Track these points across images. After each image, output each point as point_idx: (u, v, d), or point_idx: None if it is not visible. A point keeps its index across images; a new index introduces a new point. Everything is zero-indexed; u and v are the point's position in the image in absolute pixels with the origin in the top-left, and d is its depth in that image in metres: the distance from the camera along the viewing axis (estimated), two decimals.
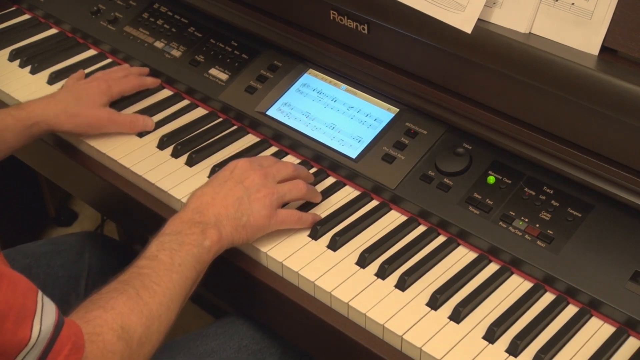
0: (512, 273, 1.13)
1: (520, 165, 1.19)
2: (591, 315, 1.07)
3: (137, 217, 1.35)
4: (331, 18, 1.32)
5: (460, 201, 1.18)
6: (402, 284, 1.10)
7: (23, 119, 1.29)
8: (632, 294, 1.04)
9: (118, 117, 1.36)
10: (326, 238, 1.18)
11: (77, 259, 1.43)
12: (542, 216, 1.14)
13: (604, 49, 1.09)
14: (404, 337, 1.03)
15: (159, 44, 1.54)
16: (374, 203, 1.24)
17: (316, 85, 1.39)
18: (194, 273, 1.05)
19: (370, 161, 1.26)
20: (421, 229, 1.20)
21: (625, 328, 1.04)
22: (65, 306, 1.36)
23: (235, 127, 1.39)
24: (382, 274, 1.12)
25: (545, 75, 1.09)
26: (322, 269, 1.13)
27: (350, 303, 1.08)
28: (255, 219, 1.12)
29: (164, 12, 1.59)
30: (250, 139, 1.37)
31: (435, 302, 1.08)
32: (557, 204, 1.14)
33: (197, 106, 1.45)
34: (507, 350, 1.02)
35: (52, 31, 1.68)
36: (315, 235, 1.18)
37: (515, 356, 1.01)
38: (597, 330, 1.05)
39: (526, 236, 1.12)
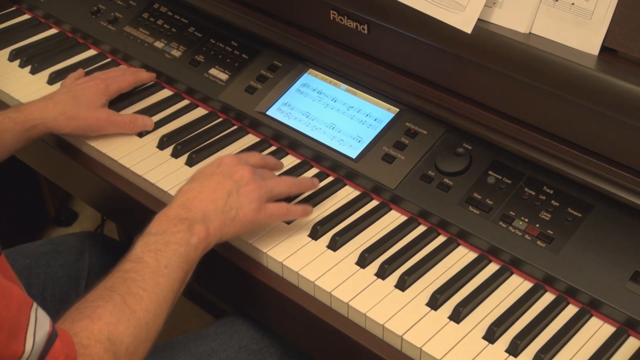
0: (512, 273, 1.13)
1: (520, 165, 1.19)
2: (591, 315, 1.07)
3: (137, 217, 1.35)
4: (331, 18, 1.32)
5: (460, 201, 1.18)
6: (402, 284, 1.10)
7: (21, 122, 1.29)
8: (632, 294, 1.04)
9: (117, 118, 1.36)
10: (326, 238, 1.18)
11: (77, 259, 1.43)
12: (542, 216, 1.14)
13: (604, 49, 1.09)
14: (404, 337, 1.03)
15: (159, 44, 1.54)
16: (374, 203, 1.24)
17: (316, 85, 1.39)
18: (181, 274, 1.03)
19: (370, 161, 1.26)
20: (421, 229, 1.20)
21: (625, 328, 1.04)
22: (66, 306, 1.37)
23: (235, 127, 1.39)
24: (382, 274, 1.12)
25: (545, 75, 1.09)
26: (322, 269, 1.13)
27: (350, 303, 1.08)
28: (244, 213, 1.10)
29: (164, 12, 1.59)
30: (250, 139, 1.37)
31: (435, 302, 1.08)
32: (557, 204, 1.14)
33: (197, 106, 1.45)
34: (507, 350, 1.02)
35: (52, 31, 1.68)
36: (315, 235, 1.18)
37: (515, 356, 1.01)
38: (597, 330, 1.05)
39: (526, 236, 1.12)
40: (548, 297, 1.09)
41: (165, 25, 1.57)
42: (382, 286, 1.11)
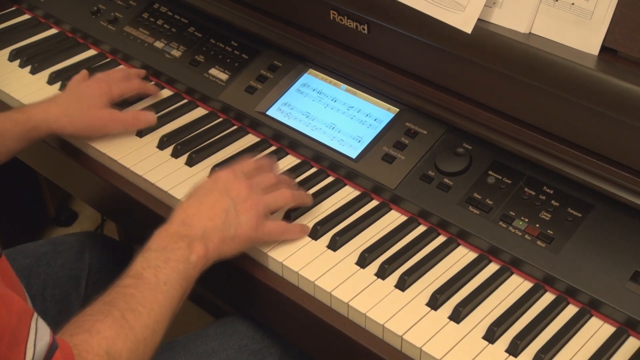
0: (512, 273, 1.13)
1: (520, 165, 1.19)
2: (591, 315, 1.07)
3: (137, 217, 1.35)
4: (331, 18, 1.32)
5: (460, 201, 1.18)
6: (402, 284, 1.10)
7: (23, 123, 1.29)
8: (632, 294, 1.04)
9: (120, 116, 1.36)
10: (326, 238, 1.18)
11: (77, 259, 1.43)
12: (542, 216, 1.14)
13: (604, 49, 1.09)
14: (404, 337, 1.04)
15: (159, 44, 1.54)
16: (374, 203, 1.24)
17: (316, 85, 1.39)
18: (180, 291, 1.03)
19: (370, 161, 1.26)
20: (421, 229, 1.20)
21: (625, 328, 1.04)
22: (66, 306, 1.38)
23: (235, 127, 1.39)
24: (382, 274, 1.12)
25: (545, 75, 1.09)
26: (322, 269, 1.13)
27: (350, 303, 1.08)
28: (243, 230, 1.10)
29: (164, 12, 1.59)
30: (250, 139, 1.37)
31: (435, 302, 1.08)
32: (557, 204, 1.14)
33: (197, 106, 1.45)
34: (507, 350, 1.02)
35: (52, 31, 1.68)
36: (315, 235, 1.18)
37: (515, 356, 1.01)
38: (597, 330, 1.05)
39: (526, 236, 1.12)
40: (548, 297, 1.09)
41: (165, 25, 1.57)
42: (382, 286, 1.11)
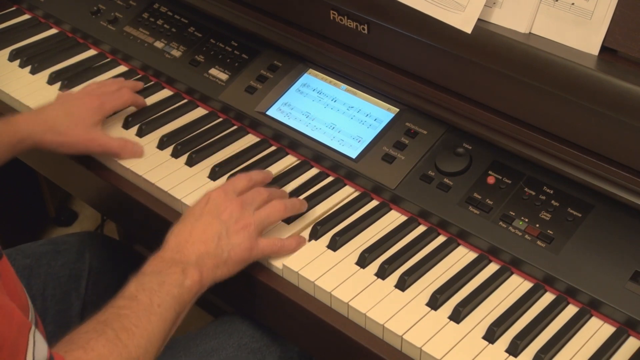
0: (512, 273, 1.13)
1: (520, 165, 1.19)
2: (591, 315, 1.07)
3: (137, 217, 1.35)
4: (331, 18, 1.32)
5: (460, 201, 1.18)
6: (402, 284, 1.10)
7: (10, 135, 1.27)
8: (632, 294, 1.04)
9: (105, 140, 1.32)
10: (326, 238, 1.18)
11: (77, 259, 1.43)
12: (542, 216, 1.14)
13: (604, 49, 1.09)
14: (404, 337, 1.04)
15: (159, 44, 1.54)
16: (374, 203, 1.24)
17: (316, 85, 1.39)
18: (173, 314, 1.03)
19: (370, 161, 1.26)
20: (421, 229, 1.20)
21: (625, 328, 1.04)
22: (66, 306, 1.38)
23: (235, 127, 1.39)
24: (382, 274, 1.12)
25: (545, 75, 1.09)
26: (322, 269, 1.13)
27: (350, 303, 1.08)
28: (236, 253, 1.09)
29: (164, 12, 1.59)
30: (250, 139, 1.37)
31: (435, 302, 1.08)
32: (557, 204, 1.14)
33: (197, 106, 1.45)
34: (507, 350, 1.02)
35: (52, 31, 1.68)
36: (315, 235, 1.18)
37: (515, 356, 1.01)
38: (597, 330, 1.05)
39: (526, 236, 1.12)
40: (548, 297, 1.09)
41: (165, 25, 1.57)
42: (382, 286, 1.11)
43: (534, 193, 1.16)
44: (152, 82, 1.51)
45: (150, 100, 1.46)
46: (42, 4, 1.70)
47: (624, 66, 1.06)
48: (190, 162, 1.32)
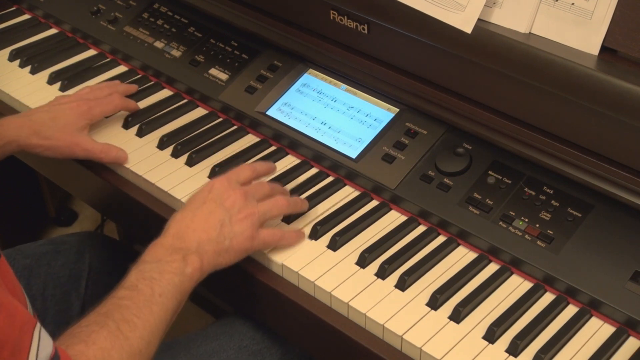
0: (512, 273, 1.13)
1: (520, 165, 1.19)
2: (591, 315, 1.07)
3: (137, 217, 1.35)
4: (331, 18, 1.32)
5: (460, 201, 1.18)
6: (402, 284, 1.10)
7: None
8: (632, 294, 1.04)
9: (90, 145, 1.31)
10: (326, 238, 1.18)
11: (77, 259, 1.43)
12: (542, 216, 1.14)
13: (604, 49, 1.09)
14: (404, 337, 1.04)
15: (159, 44, 1.54)
16: (374, 203, 1.24)
17: (316, 85, 1.39)
18: (175, 303, 1.03)
19: (370, 161, 1.26)
20: (421, 229, 1.20)
21: (625, 328, 1.04)
22: (66, 306, 1.38)
23: (235, 127, 1.39)
24: (382, 274, 1.12)
25: (545, 75, 1.09)
26: (322, 269, 1.13)
27: (350, 303, 1.08)
28: (238, 242, 1.09)
29: (164, 12, 1.59)
30: (250, 139, 1.37)
31: (435, 302, 1.08)
32: (557, 204, 1.14)
33: (197, 106, 1.45)
34: (507, 350, 1.02)
35: (52, 31, 1.68)
36: (315, 235, 1.18)
37: (515, 356, 1.01)
38: (597, 330, 1.05)
39: (526, 236, 1.12)
40: (548, 297, 1.09)
41: (165, 25, 1.57)
42: (382, 286, 1.11)
43: (534, 193, 1.16)
44: (152, 82, 1.51)
45: (150, 100, 1.46)
46: (42, 4, 1.70)
47: (624, 66, 1.06)
48: (190, 162, 1.32)
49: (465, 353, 1.02)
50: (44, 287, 1.37)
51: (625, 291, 1.05)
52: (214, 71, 1.46)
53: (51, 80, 1.52)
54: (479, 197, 1.18)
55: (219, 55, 1.48)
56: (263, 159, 1.32)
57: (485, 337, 1.04)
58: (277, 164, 1.31)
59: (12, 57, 1.58)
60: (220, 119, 1.41)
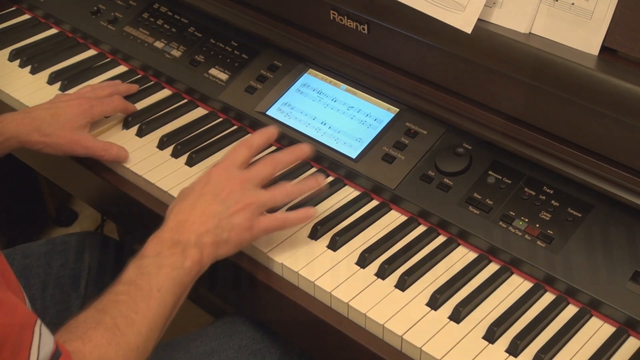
0: (512, 273, 1.13)
1: (520, 165, 1.19)
2: (591, 315, 1.07)
3: (137, 217, 1.35)
4: (331, 18, 1.32)
5: (460, 201, 1.18)
6: (402, 284, 1.10)
7: None
8: (632, 294, 1.04)
9: (90, 143, 1.31)
10: (326, 238, 1.18)
11: (77, 259, 1.43)
12: (542, 216, 1.14)
13: (604, 49, 1.09)
14: (404, 337, 1.03)
15: (159, 44, 1.54)
16: (374, 203, 1.24)
17: (316, 85, 1.39)
18: (174, 298, 1.02)
19: (370, 161, 1.26)
20: (421, 229, 1.20)
21: (625, 328, 1.04)
22: (66, 306, 1.38)
23: (235, 127, 1.39)
24: (382, 274, 1.12)
25: (545, 75, 1.09)
26: (322, 269, 1.13)
27: (350, 303, 1.08)
28: (236, 233, 1.08)
29: (164, 12, 1.59)
30: None
31: (435, 302, 1.08)
32: (557, 204, 1.14)
33: (197, 106, 1.45)
34: (507, 350, 1.02)
35: (52, 31, 1.68)
36: (315, 235, 1.18)
37: (515, 356, 1.01)
38: (597, 330, 1.05)
39: (526, 236, 1.12)
40: (548, 297, 1.09)
41: (165, 25, 1.57)
42: (382, 286, 1.11)
43: (534, 193, 1.16)
44: (152, 82, 1.51)
45: (150, 100, 1.46)
46: (42, 4, 1.70)
47: (624, 66, 1.06)
48: (190, 162, 1.32)
49: (465, 353, 1.02)
50: (44, 287, 1.37)
51: (625, 291, 1.05)
52: (214, 71, 1.46)
53: (51, 80, 1.52)
54: (479, 197, 1.18)
55: (219, 55, 1.48)
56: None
57: (485, 337, 1.04)
58: None
59: (12, 57, 1.58)
60: (220, 119, 1.41)
